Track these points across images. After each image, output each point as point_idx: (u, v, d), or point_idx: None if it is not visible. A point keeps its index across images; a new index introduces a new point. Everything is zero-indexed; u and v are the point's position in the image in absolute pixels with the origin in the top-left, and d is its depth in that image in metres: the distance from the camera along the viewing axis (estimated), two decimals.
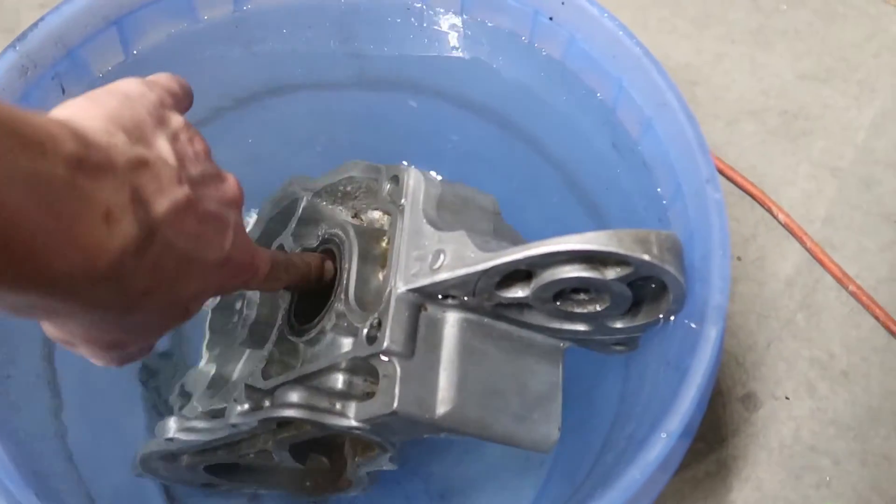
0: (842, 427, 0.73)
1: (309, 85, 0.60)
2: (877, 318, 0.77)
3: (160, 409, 0.62)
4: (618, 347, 0.46)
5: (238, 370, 0.55)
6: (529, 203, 0.56)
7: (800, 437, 0.72)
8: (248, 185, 0.61)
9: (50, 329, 0.33)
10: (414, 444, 0.57)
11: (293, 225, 0.54)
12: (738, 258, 0.81)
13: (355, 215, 0.54)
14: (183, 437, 0.49)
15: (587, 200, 0.55)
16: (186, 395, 0.56)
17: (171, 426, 0.49)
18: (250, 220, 0.59)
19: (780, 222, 0.82)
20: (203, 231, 0.33)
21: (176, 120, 0.34)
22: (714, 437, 0.72)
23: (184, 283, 0.32)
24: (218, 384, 0.55)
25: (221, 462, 0.53)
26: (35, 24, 0.46)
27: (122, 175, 0.28)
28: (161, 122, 0.33)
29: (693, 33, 0.95)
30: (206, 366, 0.56)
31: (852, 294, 0.78)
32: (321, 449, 0.52)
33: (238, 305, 0.56)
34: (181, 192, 0.31)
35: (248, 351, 0.55)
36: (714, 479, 0.70)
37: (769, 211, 0.83)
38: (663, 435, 0.36)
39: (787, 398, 0.74)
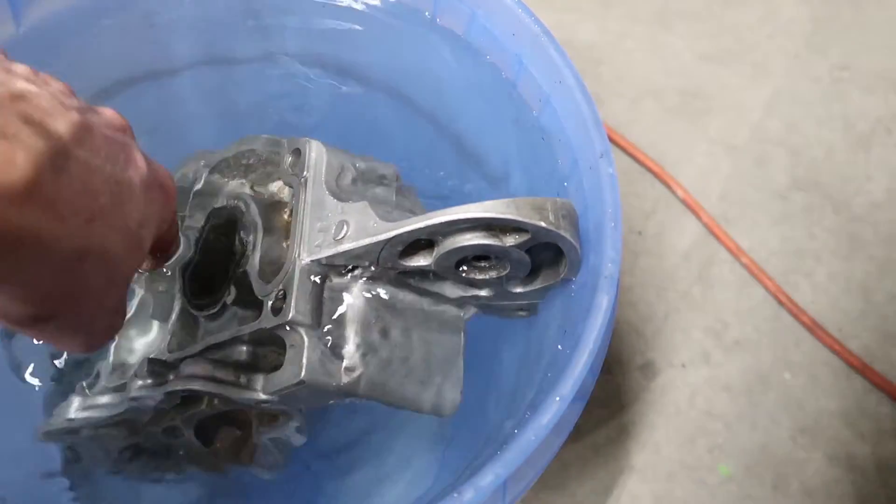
0: (734, 393, 0.77)
1: (210, 59, 0.59)
2: (767, 289, 0.81)
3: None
4: (520, 312, 0.48)
5: (140, 347, 0.55)
6: (430, 179, 0.57)
7: (695, 402, 0.76)
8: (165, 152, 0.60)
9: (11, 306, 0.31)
10: (319, 421, 0.57)
11: (191, 198, 0.53)
12: (639, 233, 0.84)
13: (251, 187, 0.54)
14: (83, 415, 0.48)
15: (489, 175, 0.56)
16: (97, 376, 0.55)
17: (74, 405, 0.49)
18: None
19: (678, 198, 0.86)
20: (113, 150, 0.33)
21: (21, 66, 0.33)
22: (615, 404, 0.75)
23: (122, 208, 0.32)
24: (118, 365, 0.54)
25: (126, 444, 0.52)
26: None
27: (4, 105, 0.28)
28: (9, 70, 0.32)
29: (597, 13, 0.97)
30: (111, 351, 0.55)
31: (745, 266, 0.82)
32: (230, 423, 0.52)
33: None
34: (71, 114, 0.31)
35: (155, 326, 0.55)
36: (615, 444, 0.73)
37: (668, 187, 0.86)
38: (557, 399, 0.38)
39: (683, 366, 0.78)
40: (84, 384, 0.55)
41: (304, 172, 0.47)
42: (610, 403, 0.75)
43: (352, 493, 0.60)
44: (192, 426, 0.48)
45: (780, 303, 0.81)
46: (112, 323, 0.37)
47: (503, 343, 0.55)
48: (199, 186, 0.53)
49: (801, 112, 0.94)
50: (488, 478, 0.36)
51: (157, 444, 0.53)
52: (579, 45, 0.91)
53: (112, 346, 0.54)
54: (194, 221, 0.51)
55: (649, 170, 0.87)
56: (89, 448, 0.54)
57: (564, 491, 0.70)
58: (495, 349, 0.55)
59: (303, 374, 0.41)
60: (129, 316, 0.55)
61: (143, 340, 0.54)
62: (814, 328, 0.79)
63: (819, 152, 0.91)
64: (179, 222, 0.52)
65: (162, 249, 0.45)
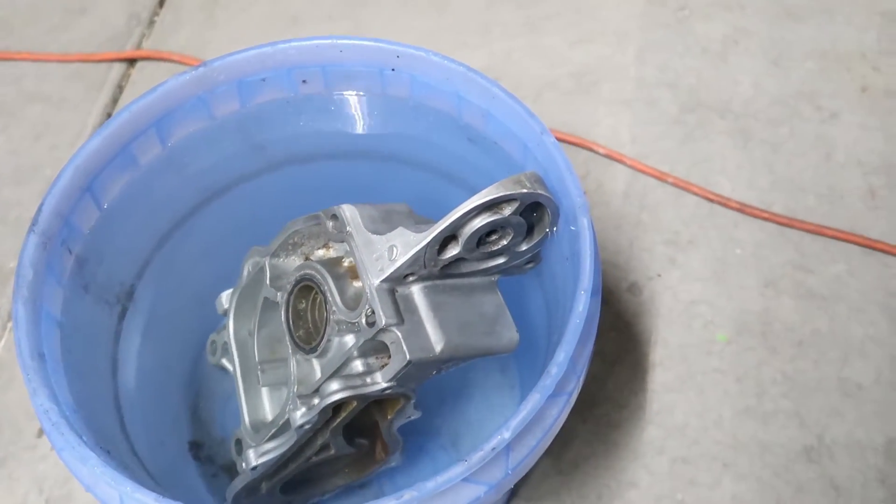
0: (703, 280, 0.95)
1: (230, 185, 0.76)
2: (696, 194, 1.00)
3: (216, 473, 0.76)
4: (528, 265, 0.65)
5: (268, 409, 0.71)
6: (427, 210, 0.74)
7: (678, 298, 0.94)
8: (219, 270, 0.76)
9: None
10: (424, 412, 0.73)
11: (267, 282, 0.70)
12: (584, 192, 1.02)
13: (306, 258, 0.71)
14: (263, 460, 0.64)
15: (466, 186, 0.74)
16: (240, 444, 0.70)
17: (251, 457, 0.65)
18: (225, 294, 0.75)
19: (602, 155, 1.05)
20: None
21: None
22: (620, 323, 0.93)
23: None
24: (259, 425, 0.70)
25: (292, 477, 0.68)
26: (40, 208, 0.60)
27: None
28: None
29: (482, 42, 1.17)
30: (247, 418, 0.70)
31: (673, 184, 1.01)
32: (360, 433, 0.69)
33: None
34: None
35: (264, 392, 0.72)
36: (632, 352, 0.91)
37: (590, 150, 1.05)
38: (582, 292, 0.55)
39: (658, 275, 0.96)
40: (234, 451, 0.71)
41: (347, 227, 0.64)
42: (617, 325, 0.93)
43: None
44: (340, 434, 0.65)
45: (710, 200, 1.00)
46: None
47: (527, 294, 0.72)
48: (269, 274, 0.69)
49: (665, 55, 1.14)
50: (561, 356, 0.53)
51: (301, 473, 0.69)
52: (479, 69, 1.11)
53: (245, 416, 0.71)
54: (279, 297, 0.68)
55: (571, 143, 1.06)
56: (257, 503, 0.70)
57: (607, 394, 0.87)
58: (523, 301, 0.72)
59: (408, 356, 0.58)
60: (248, 392, 0.72)
61: (267, 399, 0.71)
62: (742, 208, 0.99)
63: (691, 79, 1.12)
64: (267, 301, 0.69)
65: None
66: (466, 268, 0.63)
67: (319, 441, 0.65)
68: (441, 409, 0.80)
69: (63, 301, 0.61)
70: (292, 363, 0.66)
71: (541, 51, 1.17)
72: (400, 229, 0.61)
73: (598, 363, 0.89)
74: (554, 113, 1.10)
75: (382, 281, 0.60)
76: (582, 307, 0.55)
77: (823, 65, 1.12)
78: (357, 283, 0.64)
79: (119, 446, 0.61)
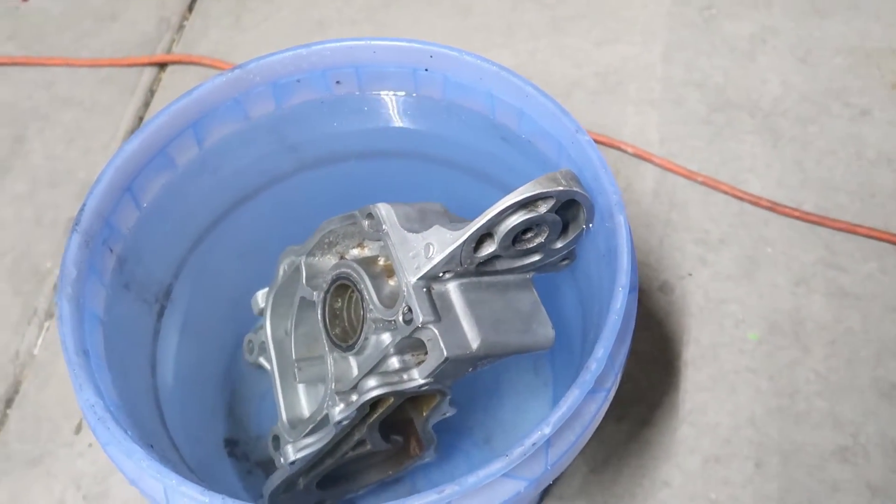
0: (734, 278, 0.95)
1: (265, 185, 0.77)
2: (725, 192, 1.00)
3: (251, 470, 0.77)
4: (563, 262, 0.65)
5: (305, 405, 0.72)
6: (461, 209, 0.74)
7: (709, 296, 0.94)
8: (253, 269, 0.77)
9: None
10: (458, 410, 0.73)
11: (303, 282, 0.70)
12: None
13: (341, 257, 0.72)
14: (301, 455, 0.65)
15: (500, 185, 0.75)
16: (278, 440, 0.71)
17: (290, 452, 0.65)
18: (260, 293, 0.76)
19: (630, 154, 1.05)
20: None
21: None
22: (652, 322, 0.93)
23: None
24: (296, 422, 0.71)
25: (329, 472, 0.68)
26: (82, 208, 0.62)
27: None
28: None
29: (507, 42, 1.18)
30: (284, 415, 0.71)
31: (702, 183, 1.01)
32: (395, 430, 0.69)
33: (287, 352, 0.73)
34: None
35: (301, 389, 0.72)
36: (665, 351, 0.91)
37: (619, 149, 1.05)
38: (620, 288, 0.55)
39: (690, 275, 0.96)
40: (272, 447, 0.71)
41: (383, 226, 0.64)
42: (649, 324, 0.93)
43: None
44: (376, 430, 0.65)
45: (740, 198, 1.00)
46: None
47: (561, 293, 0.72)
48: (305, 273, 0.70)
49: (691, 53, 1.14)
50: (600, 352, 0.54)
51: (337, 469, 0.70)
52: None
53: (283, 413, 0.71)
54: (315, 296, 0.69)
55: (600, 142, 1.06)
56: (294, 498, 0.71)
57: (640, 393, 0.87)
58: (557, 301, 0.72)
59: (445, 353, 0.59)
60: (285, 389, 0.73)
61: (304, 396, 0.72)
62: (773, 206, 0.98)
63: (719, 78, 1.11)
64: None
65: None
66: (502, 265, 0.63)
67: (356, 436, 0.66)
68: (474, 408, 0.81)
69: (105, 299, 0.62)
70: (329, 361, 0.67)
71: (566, 51, 1.17)
72: (436, 227, 0.61)
73: (630, 362, 0.89)
74: (581, 113, 1.10)
75: (419, 279, 0.60)
76: (620, 304, 0.55)
77: (852, 61, 1.11)
78: (393, 282, 0.65)
79: (160, 441, 0.62)
